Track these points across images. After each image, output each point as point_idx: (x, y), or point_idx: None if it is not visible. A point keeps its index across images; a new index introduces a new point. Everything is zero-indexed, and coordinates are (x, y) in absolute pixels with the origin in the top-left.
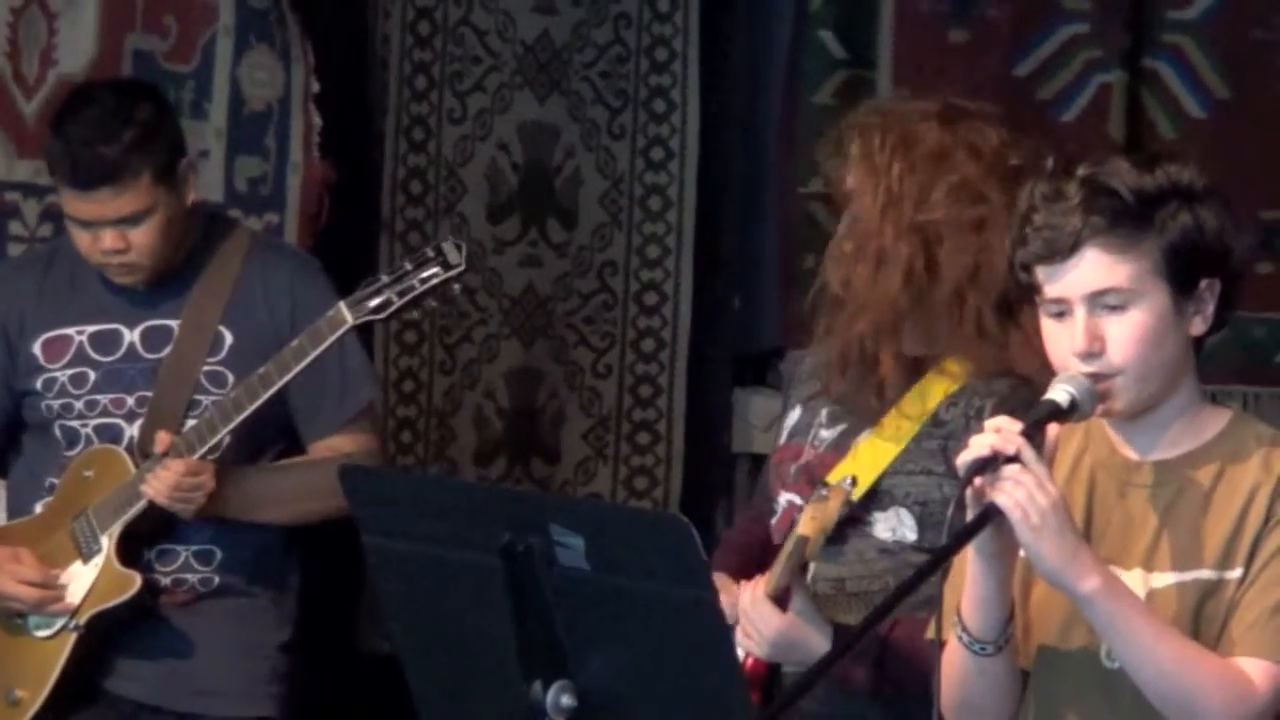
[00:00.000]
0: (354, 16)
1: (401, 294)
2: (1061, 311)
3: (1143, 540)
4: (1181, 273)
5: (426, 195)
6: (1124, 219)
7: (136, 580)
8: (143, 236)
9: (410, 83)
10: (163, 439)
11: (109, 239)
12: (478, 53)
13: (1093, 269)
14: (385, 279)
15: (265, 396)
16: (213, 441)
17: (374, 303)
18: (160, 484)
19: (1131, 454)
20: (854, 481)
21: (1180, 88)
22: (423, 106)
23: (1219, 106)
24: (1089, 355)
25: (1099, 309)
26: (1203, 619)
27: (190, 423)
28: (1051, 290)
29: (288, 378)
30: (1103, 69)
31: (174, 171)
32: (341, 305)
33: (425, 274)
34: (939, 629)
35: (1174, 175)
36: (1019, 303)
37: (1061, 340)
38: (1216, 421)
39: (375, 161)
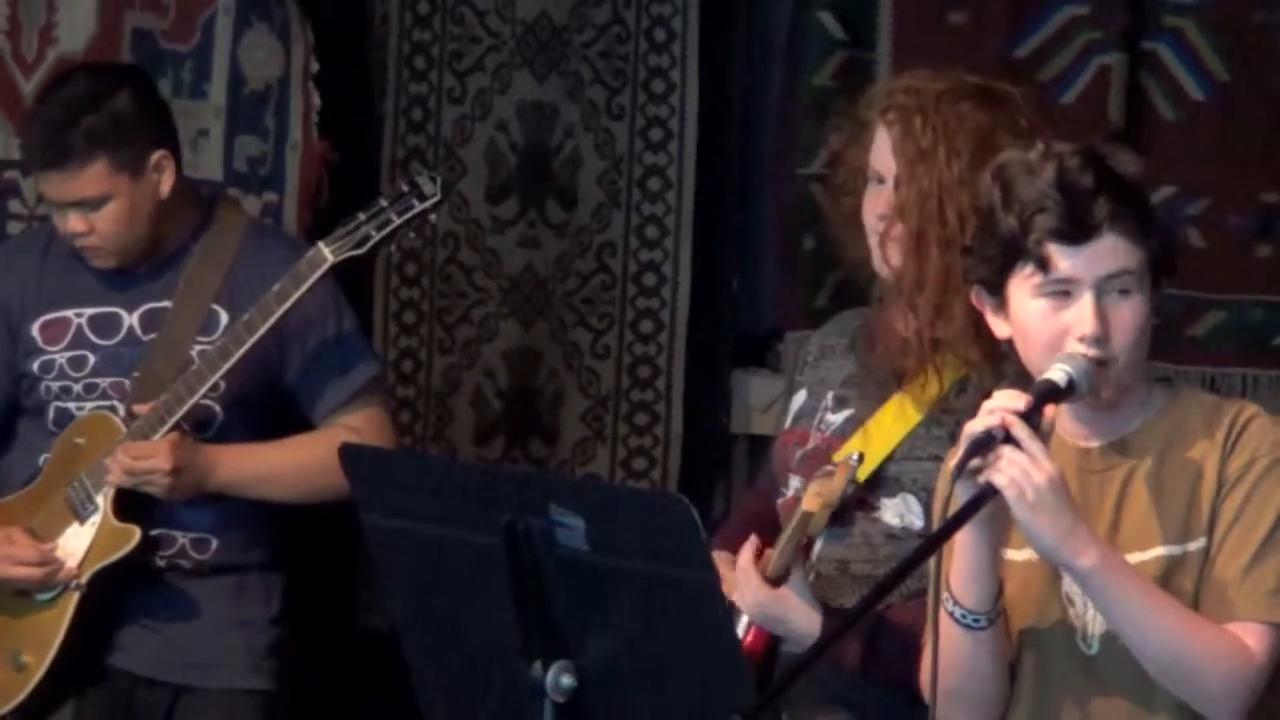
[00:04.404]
0: None
1: (379, 228)
2: (1065, 291)
3: (1101, 524)
4: (1161, 270)
5: None
6: (1140, 209)
7: (135, 533)
8: (104, 222)
9: (409, 62)
10: (139, 409)
11: (71, 220)
12: (477, 32)
13: (1113, 252)
14: (362, 217)
15: (251, 341)
16: (200, 392)
17: (353, 239)
18: (116, 468)
19: (1080, 440)
20: (860, 458)
21: (1180, 70)
22: (422, 86)
23: (1219, 89)
24: (1097, 339)
25: (1107, 294)
26: (1171, 595)
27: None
28: (1066, 269)
29: (271, 320)
30: (1102, 51)
31: (142, 161)
32: (321, 244)
33: (402, 207)
34: (932, 633)
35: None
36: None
37: (1053, 321)
38: (1157, 397)
39: (374, 141)
